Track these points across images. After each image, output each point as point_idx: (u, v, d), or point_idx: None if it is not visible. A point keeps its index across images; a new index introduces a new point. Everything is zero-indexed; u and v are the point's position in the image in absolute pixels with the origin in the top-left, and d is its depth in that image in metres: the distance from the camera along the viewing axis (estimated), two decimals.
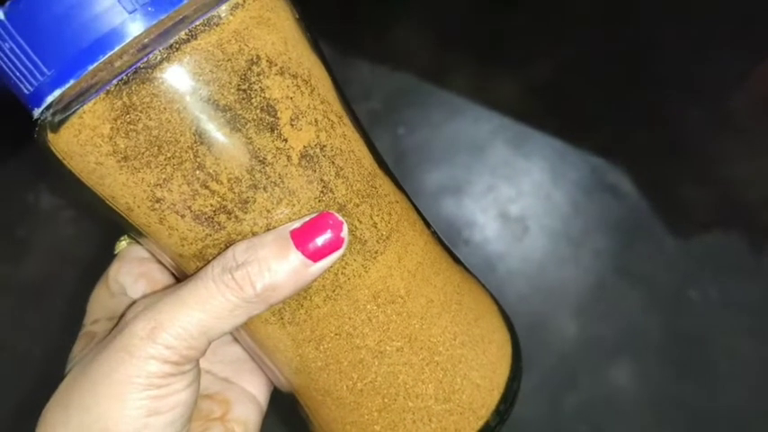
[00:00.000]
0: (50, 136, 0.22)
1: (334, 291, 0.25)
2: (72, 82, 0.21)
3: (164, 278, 0.30)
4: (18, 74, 0.22)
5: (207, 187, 0.22)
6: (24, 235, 0.72)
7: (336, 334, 0.26)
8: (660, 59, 0.82)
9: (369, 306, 0.26)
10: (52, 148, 0.22)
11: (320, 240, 0.23)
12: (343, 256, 0.24)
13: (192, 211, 0.22)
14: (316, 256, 0.23)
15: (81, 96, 0.21)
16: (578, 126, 0.79)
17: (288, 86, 0.22)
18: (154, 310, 0.23)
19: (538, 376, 0.66)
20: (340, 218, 0.23)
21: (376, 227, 0.25)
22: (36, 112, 0.23)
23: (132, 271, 0.30)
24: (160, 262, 0.30)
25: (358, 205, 0.25)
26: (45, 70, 0.21)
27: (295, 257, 0.22)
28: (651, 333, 0.69)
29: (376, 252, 0.25)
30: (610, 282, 0.71)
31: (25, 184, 0.73)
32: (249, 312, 0.23)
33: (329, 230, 0.23)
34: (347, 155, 0.24)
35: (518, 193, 0.76)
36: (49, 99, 0.22)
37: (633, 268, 0.72)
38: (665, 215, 0.74)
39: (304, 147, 0.23)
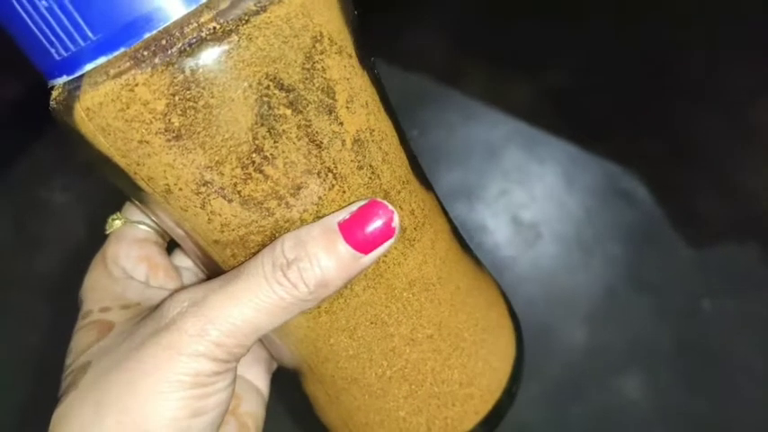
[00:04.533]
0: (83, 109, 0.20)
1: (374, 279, 0.24)
2: (123, 50, 0.19)
3: (164, 262, 0.29)
4: (51, 36, 0.19)
5: (262, 171, 0.21)
6: (37, 231, 0.73)
7: (372, 323, 0.25)
8: (678, 66, 0.81)
9: (405, 294, 0.25)
10: (80, 122, 0.20)
11: (370, 231, 0.22)
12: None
13: (241, 196, 0.21)
14: (366, 247, 0.22)
15: (133, 67, 0.19)
16: (593, 132, 0.78)
17: (345, 66, 0.21)
18: (204, 307, 0.22)
19: (545, 383, 0.66)
20: (390, 207, 0.22)
21: (413, 214, 0.25)
22: (61, 81, 0.20)
23: (131, 254, 0.28)
24: (159, 244, 0.29)
25: (399, 192, 0.24)
26: (89, 34, 0.19)
27: (345, 250, 0.21)
28: (662, 344, 0.68)
29: (413, 239, 0.25)
30: (621, 290, 0.70)
31: (38, 181, 0.73)
32: (302, 308, 0.22)
33: (379, 220, 0.22)
34: (390, 139, 0.24)
35: (531, 199, 0.75)
36: (89, 67, 0.20)
37: (645, 277, 0.71)
38: (679, 224, 0.73)
39: (357, 131, 0.22)
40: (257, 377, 0.30)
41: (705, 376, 0.66)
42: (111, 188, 0.25)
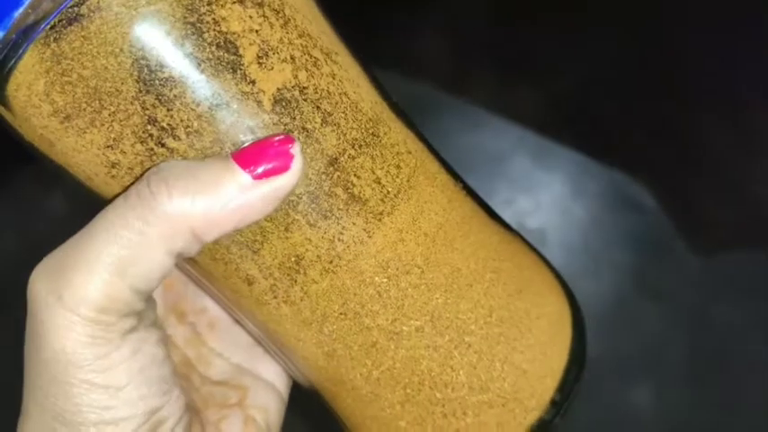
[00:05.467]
0: (2, 107, 0.19)
1: (331, 262, 0.21)
2: (1, 34, 0.18)
3: None
4: None
5: (164, 145, 0.19)
6: (40, 240, 0.72)
7: (341, 313, 0.22)
8: (687, 73, 0.81)
9: (377, 278, 0.22)
10: (9, 120, 0.19)
11: (263, 157, 0.19)
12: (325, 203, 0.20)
13: None
14: (257, 175, 0.19)
15: (13, 50, 0.18)
16: (600, 139, 0.77)
17: (251, 17, 0.19)
18: (53, 257, 0.19)
19: None
20: (292, 137, 0.19)
21: (379, 182, 0.22)
22: None
23: None
24: None
25: (354, 158, 0.21)
26: None
27: (229, 174, 0.18)
28: (671, 352, 0.67)
29: (381, 213, 0.21)
30: (629, 299, 0.70)
31: (42, 189, 0.73)
32: (170, 242, 0.18)
33: (275, 144, 0.19)
34: (338, 98, 0.21)
35: (537, 207, 0.75)
36: None
37: (654, 285, 0.70)
38: (687, 232, 0.72)
39: (278, 89, 0.19)
40: (271, 373, 0.28)
41: (714, 384, 0.66)
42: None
